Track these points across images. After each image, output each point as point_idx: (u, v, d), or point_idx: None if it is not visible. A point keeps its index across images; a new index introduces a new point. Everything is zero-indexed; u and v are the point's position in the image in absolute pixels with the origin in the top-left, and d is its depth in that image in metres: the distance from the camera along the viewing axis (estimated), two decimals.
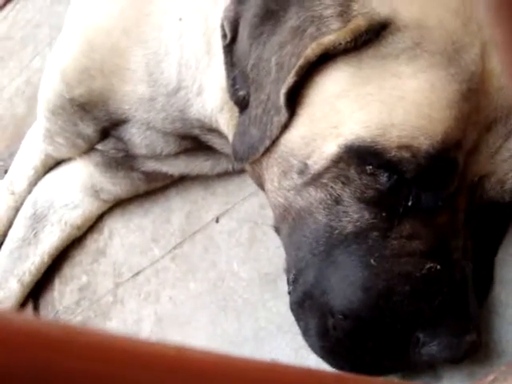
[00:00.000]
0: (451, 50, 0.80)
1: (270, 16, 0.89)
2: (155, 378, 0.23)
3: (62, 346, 0.21)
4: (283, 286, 1.00)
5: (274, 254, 1.23)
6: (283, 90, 0.86)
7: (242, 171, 1.35)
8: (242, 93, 0.98)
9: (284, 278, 1.00)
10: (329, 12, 0.83)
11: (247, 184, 1.34)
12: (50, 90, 1.32)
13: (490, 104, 0.82)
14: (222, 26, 0.98)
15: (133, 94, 1.22)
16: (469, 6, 0.84)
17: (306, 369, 0.36)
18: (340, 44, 0.81)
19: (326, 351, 0.88)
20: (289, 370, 0.34)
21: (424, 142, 0.77)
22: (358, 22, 0.81)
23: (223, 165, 1.36)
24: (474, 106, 0.80)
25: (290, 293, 0.97)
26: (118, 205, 1.52)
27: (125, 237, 1.48)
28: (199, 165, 1.36)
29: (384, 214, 0.83)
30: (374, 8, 0.82)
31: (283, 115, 0.88)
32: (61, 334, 0.21)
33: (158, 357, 0.24)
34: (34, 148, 1.55)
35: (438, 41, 0.80)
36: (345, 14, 0.83)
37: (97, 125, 1.30)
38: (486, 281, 0.94)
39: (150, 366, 0.23)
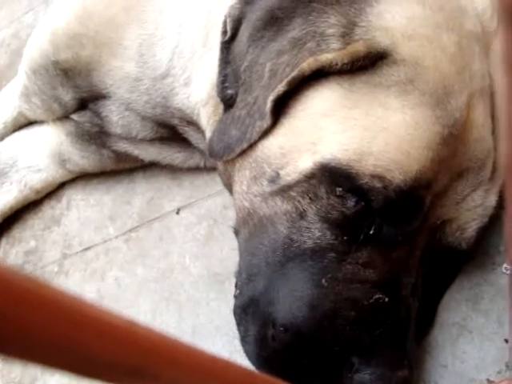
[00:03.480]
0: (441, 93, 0.82)
1: (274, 22, 0.90)
2: (108, 346, 0.23)
3: (22, 294, 0.21)
4: (230, 289, 1.00)
5: (227, 255, 1.23)
6: (271, 97, 0.86)
7: (211, 169, 1.35)
8: (230, 91, 0.98)
9: (233, 281, 1.00)
10: (331, 31, 0.85)
11: (214, 182, 1.34)
12: (37, 48, 1.29)
13: (466, 152, 0.85)
14: (225, 23, 0.98)
15: (119, 70, 1.21)
16: (465, 54, 0.86)
17: (247, 370, 0.37)
18: (336, 64, 0.82)
19: (261, 360, 0.88)
20: (231, 366, 0.34)
21: (397, 176, 0.79)
22: (358, 47, 0.82)
23: (195, 159, 1.36)
24: (451, 152, 0.82)
25: (236, 296, 0.97)
26: (81, 177, 1.50)
27: (82, 210, 1.46)
28: (171, 155, 1.35)
29: (345, 238, 0.84)
30: (375, 36, 0.83)
31: (266, 121, 0.88)
32: (23, 283, 0.21)
33: (113, 326, 0.24)
34: (8, 103, 1.52)
35: (431, 82, 0.82)
36: (347, 36, 0.84)
37: (76, 93, 1.28)
38: (427, 321, 0.96)
39: (106, 334, 0.23)
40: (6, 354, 0.22)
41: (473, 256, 0.98)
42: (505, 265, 1.02)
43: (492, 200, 0.91)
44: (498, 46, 0.87)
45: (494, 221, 0.96)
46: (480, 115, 0.86)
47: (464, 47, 0.87)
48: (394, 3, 0.87)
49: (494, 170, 0.91)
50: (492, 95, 0.91)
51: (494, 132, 0.90)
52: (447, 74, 0.83)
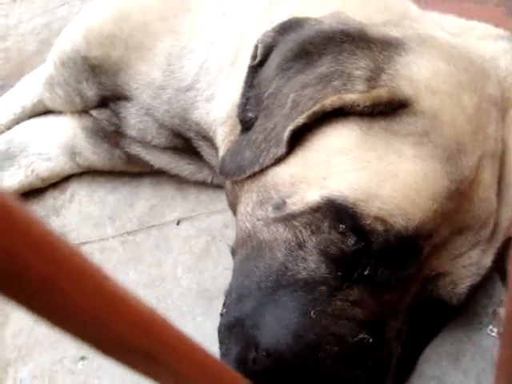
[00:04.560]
0: (454, 149, 0.84)
1: (304, 56, 0.92)
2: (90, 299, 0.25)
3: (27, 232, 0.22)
4: (217, 307, 1.01)
5: (220, 273, 1.24)
6: (291, 127, 0.88)
7: (218, 186, 1.37)
8: (250, 114, 1.00)
9: (221, 299, 1.01)
10: (359, 73, 0.87)
11: (219, 200, 1.36)
12: (69, 41, 1.32)
13: (469, 210, 0.86)
14: (256, 47, 1.00)
15: (145, 75, 1.23)
16: (482, 117, 0.88)
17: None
18: (358, 105, 0.85)
19: None
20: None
21: (400, 222, 0.81)
22: (382, 93, 0.85)
23: (204, 174, 1.37)
24: (455, 207, 0.84)
25: (222, 314, 0.97)
26: (88, 173, 1.52)
27: (84, 205, 1.48)
28: (181, 166, 1.37)
29: (339, 274, 0.85)
30: (400, 85, 0.86)
31: (281, 149, 0.90)
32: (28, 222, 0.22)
33: (101, 284, 0.25)
34: (30, 89, 1.54)
35: (446, 137, 0.84)
36: (373, 80, 0.87)
37: (99, 90, 1.31)
38: (406, 369, 0.96)
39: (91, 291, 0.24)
40: (5, 294, 0.22)
41: (460, 313, 0.99)
42: (491, 326, 1.04)
43: (488, 260, 0.92)
44: None
45: (486, 282, 0.98)
46: (488, 176, 0.88)
47: (482, 109, 0.89)
48: (422, 56, 0.89)
49: (493, 232, 0.92)
50: (502, 160, 0.94)
51: (498, 195, 0.92)
52: (462, 133, 0.85)
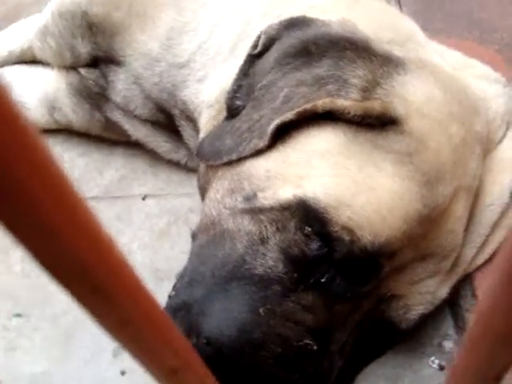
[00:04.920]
0: (433, 175, 0.84)
1: (305, 54, 0.91)
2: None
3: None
4: (167, 288, 0.99)
5: (176, 255, 1.22)
6: (278, 121, 0.87)
7: (191, 170, 1.35)
8: (238, 102, 0.99)
9: (172, 281, 0.99)
10: (355, 81, 0.87)
11: (189, 183, 1.34)
12: None
13: (436, 239, 0.87)
14: (258, 38, 0.99)
15: (142, 44, 1.21)
16: (466, 151, 0.89)
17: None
18: (349, 113, 0.84)
19: None
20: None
21: (366, 236, 0.80)
22: (374, 105, 0.84)
23: (179, 154, 1.36)
24: (423, 232, 0.84)
25: (170, 296, 0.96)
26: (63, 132, 1.48)
27: None
28: (159, 142, 1.35)
29: (295, 275, 0.84)
30: (393, 102, 0.86)
31: (263, 141, 0.89)
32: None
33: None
34: (22, 34, 1.50)
35: (428, 162, 0.84)
36: (367, 91, 0.86)
37: (93, 50, 1.28)
38: (344, 383, 0.96)
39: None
40: None
41: (406, 339, 1.00)
42: (433, 358, 1.04)
43: (444, 292, 0.93)
44: (496, 155, 0.91)
45: (436, 313, 0.98)
46: (460, 210, 0.89)
47: (467, 144, 0.90)
48: (420, 80, 0.90)
49: (454, 265, 0.93)
50: (475, 197, 0.94)
51: (465, 230, 0.93)
52: (444, 162, 0.86)
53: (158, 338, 0.31)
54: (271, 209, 0.86)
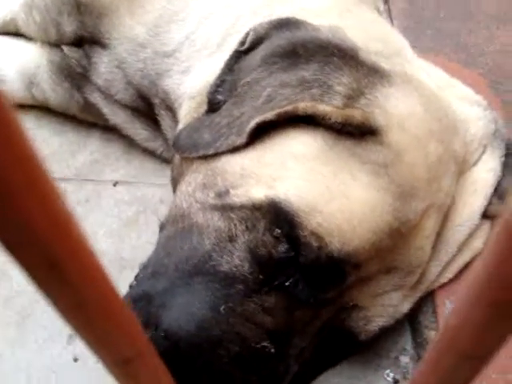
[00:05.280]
0: (407, 190, 0.84)
1: (292, 56, 0.91)
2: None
3: None
4: (129, 278, 0.97)
5: (141, 245, 1.21)
6: (257, 120, 0.86)
7: (165, 161, 1.34)
8: (220, 97, 0.98)
9: (135, 271, 0.97)
10: (339, 88, 0.86)
11: (162, 174, 1.33)
12: None
13: (403, 253, 0.87)
14: (246, 34, 0.98)
15: (129, 29, 1.20)
16: (441, 169, 0.90)
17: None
18: (329, 119, 0.84)
19: None
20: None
21: (334, 244, 0.80)
22: (356, 114, 0.84)
23: (156, 144, 1.34)
24: (391, 246, 0.84)
25: (131, 286, 0.94)
26: (39, 109, 1.45)
27: None
28: (136, 129, 1.33)
29: (260, 277, 0.83)
30: (374, 113, 0.86)
31: (241, 139, 0.88)
32: None
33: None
34: (6, 5, 1.46)
35: (403, 176, 0.84)
36: (351, 99, 0.86)
37: (78, 29, 1.26)
38: None
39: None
40: None
41: (364, 350, 1.00)
42: (388, 371, 1.05)
43: (406, 307, 0.93)
44: (470, 176, 0.92)
45: (396, 328, 0.99)
46: (430, 227, 0.89)
47: (443, 162, 0.90)
48: (403, 94, 0.90)
49: (418, 281, 0.93)
50: (446, 216, 0.95)
51: (433, 248, 0.93)
52: (419, 178, 0.86)
53: (113, 324, 0.30)
54: (242, 207, 0.86)
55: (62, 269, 0.25)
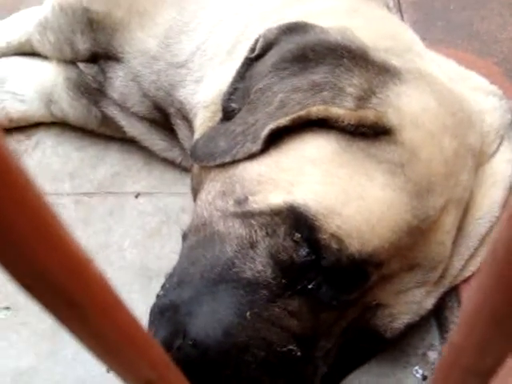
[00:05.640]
0: (424, 187, 0.84)
1: (302, 60, 0.91)
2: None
3: None
4: (155, 288, 0.99)
5: (166, 255, 1.23)
6: (272, 126, 0.87)
7: (185, 169, 1.35)
8: (234, 105, 0.99)
9: (161, 281, 0.99)
10: (351, 90, 0.87)
11: (182, 183, 1.34)
12: None
13: (424, 250, 0.87)
14: (256, 41, 0.99)
15: (141, 43, 1.21)
16: (458, 163, 0.89)
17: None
18: (343, 121, 0.84)
19: None
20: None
21: (355, 245, 0.80)
22: (368, 115, 0.85)
23: (174, 153, 1.36)
24: (411, 243, 0.85)
25: (158, 296, 0.96)
26: (59, 125, 1.48)
27: (47, 156, 1.44)
28: (154, 139, 1.35)
29: (283, 281, 0.84)
30: (387, 112, 0.86)
31: (257, 146, 0.89)
32: None
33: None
34: (21, 26, 1.50)
35: (419, 173, 0.84)
36: (362, 100, 0.86)
37: (92, 46, 1.28)
38: None
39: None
40: None
41: (391, 347, 1.00)
42: (417, 367, 1.05)
43: (430, 303, 0.93)
44: (488, 168, 0.91)
45: (422, 323, 0.99)
46: (449, 222, 0.89)
47: (460, 156, 0.90)
48: (416, 90, 0.90)
49: (441, 277, 0.93)
50: (465, 210, 0.95)
51: (454, 243, 0.93)
52: (436, 173, 0.86)
53: (134, 350, 0.32)
54: (262, 213, 0.86)
55: (81, 307, 0.26)
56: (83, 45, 1.28)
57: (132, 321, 0.31)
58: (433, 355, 1.06)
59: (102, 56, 1.28)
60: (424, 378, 1.04)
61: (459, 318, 0.28)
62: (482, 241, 0.97)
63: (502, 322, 0.26)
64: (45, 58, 1.45)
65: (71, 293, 0.25)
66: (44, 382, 1.10)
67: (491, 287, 0.25)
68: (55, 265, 0.24)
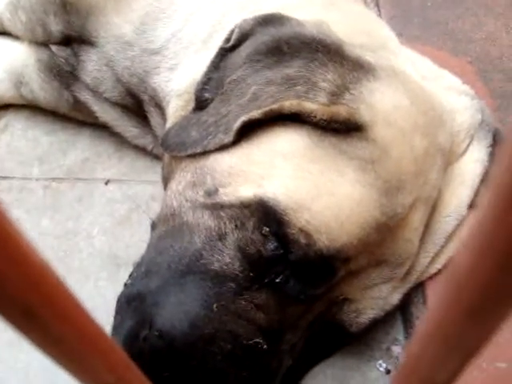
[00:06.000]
0: (394, 185, 0.85)
1: (276, 53, 0.91)
2: None
3: None
4: (123, 276, 0.98)
5: (135, 243, 1.21)
6: (244, 118, 0.87)
7: (156, 157, 1.34)
8: (207, 94, 0.98)
9: (129, 269, 0.98)
10: (324, 85, 0.87)
11: (153, 171, 1.33)
12: None
13: (391, 247, 0.88)
14: (232, 31, 0.98)
15: (116, 27, 1.19)
16: (428, 162, 0.90)
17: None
18: (315, 116, 0.84)
19: None
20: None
21: (323, 241, 0.80)
22: (341, 111, 0.85)
23: (146, 140, 1.34)
24: (379, 240, 0.85)
25: (126, 285, 0.95)
26: (30, 107, 1.45)
27: (16, 139, 1.41)
28: (126, 126, 1.33)
29: (251, 274, 0.84)
30: (360, 108, 0.86)
31: (228, 137, 0.88)
32: None
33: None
34: None
35: (389, 171, 0.85)
36: (336, 95, 0.86)
37: (65, 29, 1.25)
38: (291, 382, 0.97)
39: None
40: None
41: (356, 341, 1.01)
42: (381, 361, 1.06)
43: (395, 298, 0.94)
44: (457, 167, 0.92)
45: (388, 319, 1.00)
46: (417, 220, 0.90)
47: (429, 155, 0.91)
48: (389, 88, 0.90)
49: (407, 273, 0.94)
50: (433, 208, 0.96)
51: (420, 240, 0.94)
52: (405, 172, 0.86)
53: (95, 355, 0.31)
54: (231, 206, 0.86)
55: (40, 317, 0.25)
56: (56, 26, 1.26)
57: (93, 326, 0.31)
58: (397, 349, 1.08)
59: (75, 39, 1.25)
60: (387, 371, 1.05)
61: (417, 329, 0.28)
62: (448, 238, 0.99)
63: (459, 336, 0.26)
64: (16, 37, 1.42)
65: (29, 303, 0.25)
66: (8, 370, 1.08)
67: (449, 302, 0.25)
68: (11, 275, 0.24)
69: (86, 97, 1.32)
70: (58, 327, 0.27)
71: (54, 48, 1.30)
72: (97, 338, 0.31)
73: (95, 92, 1.29)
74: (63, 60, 1.30)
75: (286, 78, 0.88)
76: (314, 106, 0.84)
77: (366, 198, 0.83)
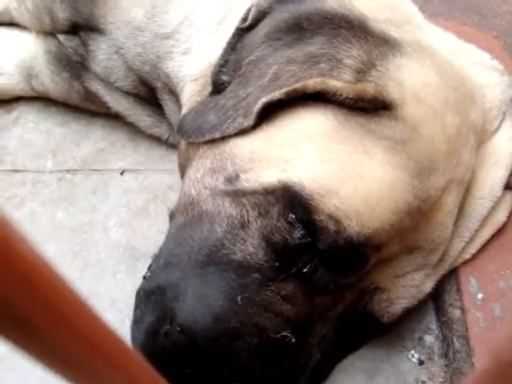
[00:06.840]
0: (426, 166, 0.80)
1: (297, 30, 0.86)
2: None
3: None
4: (142, 269, 0.95)
5: (153, 235, 1.18)
6: (265, 99, 0.82)
7: (172, 146, 1.30)
8: (224, 77, 0.94)
9: (148, 261, 0.95)
10: (349, 62, 0.82)
11: (169, 159, 1.29)
12: None
13: (425, 231, 0.83)
14: (248, 10, 0.94)
15: (125, 12, 1.15)
16: (460, 141, 0.85)
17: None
18: (341, 95, 0.80)
19: (145, 351, 0.83)
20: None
21: (353, 227, 0.76)
22: (368, 88, 0.80)
23: (161, 129, 1.30)
24: (411, 225, 0.81)
25: (145, 278, 0.92)
26: (41, 99, 1.42)
27: (29, 131, 1.37)
28: (140, 115, 1.29)
29: (276, 264, 0.80)
30: (387, 86, 0.81)
31: (249, 121, 0.84)
32: None
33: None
34: None
35: (421, 151, 0.80)
36: (362, 73, 0.82)
37: (73, 16, 1.21)
38: (320, 376, 0.93)
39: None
40: None
41: (387, 331, 0.97)
42: (413, 351, 1.02)
43: (428, 286, 0.90)
44: (490, 146, 0.87)
45: (420, 307, 0.95)
46: (451, 202, 0.85)
47: (462, 134, 0.86)
48: (416, 63, 0.85)
49: (440, 259, 0.90)
50: (467, 190, 0.91)
51: (454, 224, 0.89)
52: (438, 152, 0.82)
53: (104, 362, 0.27)
54: (254, 192, 0.82)
55: (31, 324, 0.21)
56: (63, 14, 1.21)
57: (99, 328, 0.26)
58: (429, 339, 1.03)
59: (82, 27, 1.21)
60: (420, 362, 1.01)
61: None
62: (482, 222, 0.94)
63: None
64: (24, 29, 1.38)
65: (17, 307, 0.21)
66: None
67: None
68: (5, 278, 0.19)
69: (96, 87, 1.28)
70: (55, 334, 0.23)
71: (61, 38, 1.26)
72: (107, 343, 0.27)
73: (106, 82, 1.25)
74: (72, 50, 1.26)
75: (309, 56, 0.83)
76: (339, 84, 0.80)
77: (398, 181, 0.78)
